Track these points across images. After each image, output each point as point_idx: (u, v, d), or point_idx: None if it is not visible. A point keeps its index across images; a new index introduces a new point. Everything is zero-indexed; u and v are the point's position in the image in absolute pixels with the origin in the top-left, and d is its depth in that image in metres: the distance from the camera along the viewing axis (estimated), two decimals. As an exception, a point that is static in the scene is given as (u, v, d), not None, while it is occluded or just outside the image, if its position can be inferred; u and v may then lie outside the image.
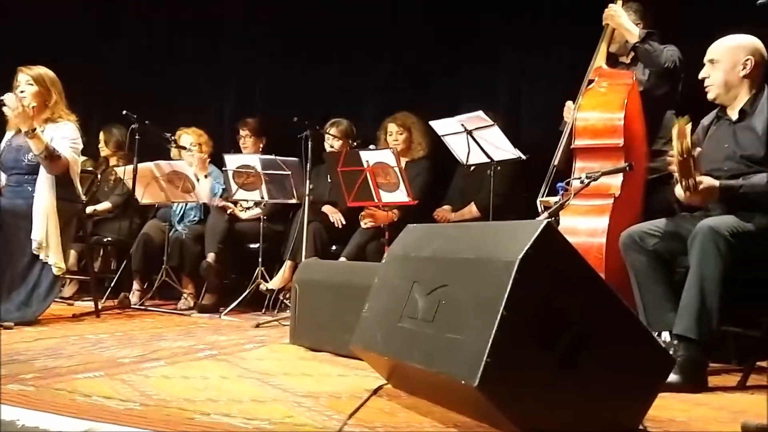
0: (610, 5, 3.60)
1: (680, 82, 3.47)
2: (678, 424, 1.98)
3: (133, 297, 4.75)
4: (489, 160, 3.97)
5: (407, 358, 2.00)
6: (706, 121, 2.89)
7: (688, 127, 2.50)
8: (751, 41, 2.75)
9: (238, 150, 5.02)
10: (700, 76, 2.79)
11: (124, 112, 4.52)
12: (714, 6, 3.58)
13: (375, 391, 2.20)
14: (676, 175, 2.60)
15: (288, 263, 4.41)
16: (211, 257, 4.56)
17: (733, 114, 2.77)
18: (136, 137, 4.53)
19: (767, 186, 2.52)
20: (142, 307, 4.57)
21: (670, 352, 2.50)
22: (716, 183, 2.57)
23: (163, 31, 5.88)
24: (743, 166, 2.67)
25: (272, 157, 4.44)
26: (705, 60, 2.79)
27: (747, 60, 2.72)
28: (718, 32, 2.86)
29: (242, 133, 5.08)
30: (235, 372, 2.56)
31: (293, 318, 3.25)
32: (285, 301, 4.28)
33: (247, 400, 2.10)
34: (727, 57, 2.73)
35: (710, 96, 2.78)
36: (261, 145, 5.06)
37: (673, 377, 2.36)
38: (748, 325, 2.78)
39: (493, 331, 1.69)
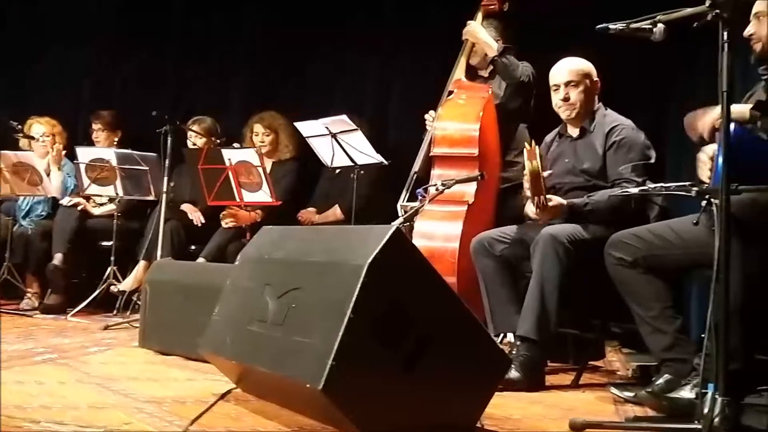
0: (469, 21, 3.75)
1: (533, 96, 3.66)
2: (513, 421, 2.09)
3: (-31, 296, 4.38)
4: (353, 164, 4.02)
5: (255, 362, 1.99)
6: (548, 138, 3.07)
7: (537, 148, 2.66)
8: (589, 64, 2.95)
9: (91, 143, 4.76)
10: (560, 97, 2.91)
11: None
12: (561, 28, 3.82)
13: (222, 396, 2.17)
14: (528, 193, 2.75)
15: (142, 263, 4.22)
16: (58, 258, 4.30)
17: (574, 132, 2.97)
18: (-24, 125, 4.19)
19: (608, 202, 2.71)
20: (-21, 308, 4.23)
21: (513, 353, 2.65)
22: (564, 201, 2.74)
23: (14, 11, 5.46)
24: (582, 180, 2.87)
25: (129, 151, 4.26)
26: (558, 82, 2.91)
27: (596, 81, 2.93)
28: (562, 53, 3.05)
29: (95, 126, 4.81)
30: (75, 377, 2.44)
31: (143, 320, 3.13)
32: (138, 302, 4.10)
33: (84, 406, 2.01)
34: (584, 79, 2.90)
35: (570, 115, 2.92)
36: (115, 139, 4.81)
37: (514, 374, 2.50)
38: (584, 328, 2.98)
39: (340, 335, 1.72)
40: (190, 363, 2.76)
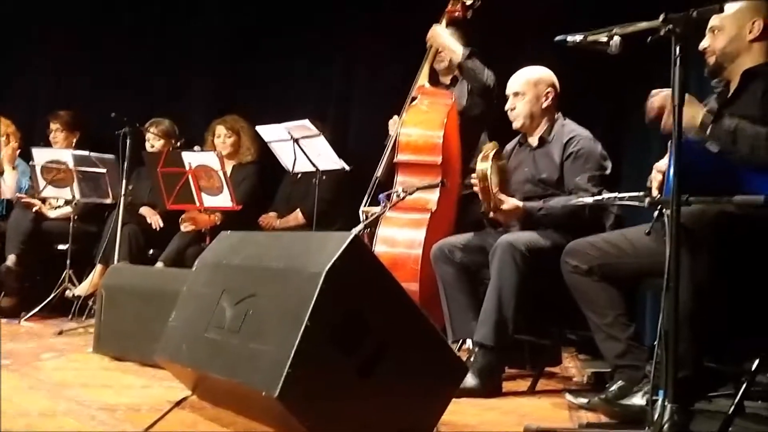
0: (434, 25, 3.76)
1: (494, 103, 3.69)
2: (470, 427, 2.11)
3: None
4: (315, 169, 4.01)
5: (211, 369, 1.96)
6: (509, 146, 3.12)
7: (492, 152, 2.70)
8: (548, 74, 3.00)
9: (48, 144, 4.66)
10: (507, 107, 2.99)
11: None
12: (524, 38, 3.88)
13: (178, 403, 2.14)
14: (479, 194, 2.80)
15: (99, 267, 4.15)
16: (11, 260, 4.20)
17: (534, 141, 3.01)
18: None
19: (563, 209, 2.76)
20: (-72, 312, 4.11)
21: (471, 359, 2.67)
22: (520, 204, 2.78)
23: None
24: (540, 189, 2.91)
25: (86, 153, 4.18)
26: (508, 92, 2.99)
27: (548, 92, 2.96)
28: (525, 62, 3.10)
29: (53, 126, 4.72)
30: (27, 383, 2.40)
31: (98, 325, 3.08)
32: (94, 307, 4.03)
33: (35, 413, 1.97)
34: (530, 90, 2.95)
35: (516, 125, 2.99)
36: (74, 140, 4.73)
37: (471, 381, 2.52)
38: (541, 334, 3.02)
39: (296, 342, 1.71)
40: (145, 369, 2.72)
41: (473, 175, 2.76)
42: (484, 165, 2.65)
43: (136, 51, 5.19)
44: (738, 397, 2.08)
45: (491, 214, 2.77)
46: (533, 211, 2.77)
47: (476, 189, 2.76)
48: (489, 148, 2.73)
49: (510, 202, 2.75)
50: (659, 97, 2.14)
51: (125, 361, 2.88)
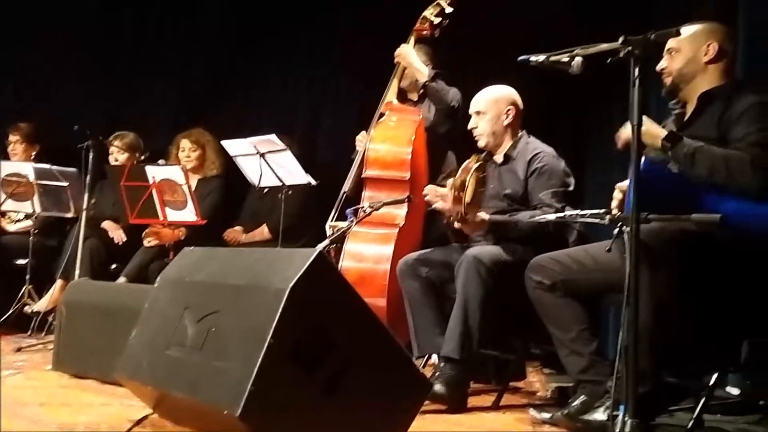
0: (402, 45, 3.79)
1: (460, 121, 3.73)
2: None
3: None
4: (281, 184, 3.99)
5: (172, 387, 1.94)
6: (475, 163, 3.15)
7: (476, 165, 2.73)
8: (509, 92, 3.05)
9: (6, 157, 4.56)
10: (469, 126, 3.03)
11: None
12: (490, 56, 3.92)
13: (138, 422, 2.10)
14: (439, 205, 2.80)
15: (59, 282, 4.07)
16: (-32, 275, 4.11)
17: (499, 158, 3.04)
18: None
19: (528, 224, 2.79)
20: None
21: (437, 374, 2.67)
22: (486, 218, 2.80)
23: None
24: (505, 204, 2.95)
25: (47, 166, 4.11)
26: (471, 111, 3.04)
27: (508, 110, 3.00)
28: (491, 80, 3.14)
29: (12, 138, 4.63)
30: (-18, 402, 2.32)
31: (57, 342, 3.02)
32: (54, 323, 3.94)
33: (-11, 434, 1.92)
34: (491, 108, 3.00)
35: (480, 144, 3.03)
36: (33, 153, 4.64)
37: (438, 388, 2.53)
38: (506, 349, 3.04)
39: (259, 360, 1.70)
40: (105, 387, 2.67)
41: (448, 181, 2.77)
42: (463, 176, 2.68)
43: (99, 63, 5.13)
44: (697, 411, 2.12)
45: (456, 224, 2.78)
46: (500, 224, 2.80)
47: (441, 198, 2.77)
48: (473, 161, 2.75)
49: (478, 215, 2.77)
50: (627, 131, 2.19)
51: (85, 379, 2.82)
